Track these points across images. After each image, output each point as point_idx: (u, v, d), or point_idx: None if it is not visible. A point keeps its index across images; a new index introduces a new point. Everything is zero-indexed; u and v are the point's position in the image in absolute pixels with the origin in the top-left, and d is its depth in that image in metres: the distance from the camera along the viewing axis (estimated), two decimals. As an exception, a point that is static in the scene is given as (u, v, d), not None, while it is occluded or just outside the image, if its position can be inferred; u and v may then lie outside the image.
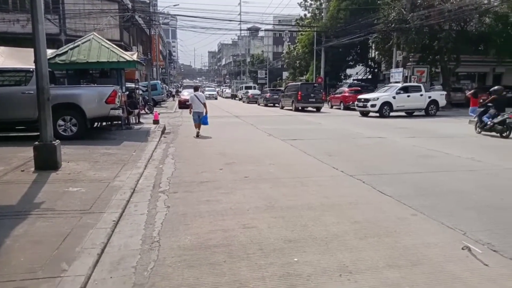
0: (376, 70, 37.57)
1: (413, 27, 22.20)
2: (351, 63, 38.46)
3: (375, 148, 9.20)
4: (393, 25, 23.93)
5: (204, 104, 11.41)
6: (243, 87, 48.36)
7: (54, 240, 3.39)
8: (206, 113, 11.48)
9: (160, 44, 48.04)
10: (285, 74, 53.42)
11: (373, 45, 32.15)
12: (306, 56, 39.46)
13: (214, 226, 3.95)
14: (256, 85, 55.77)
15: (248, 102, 37.96)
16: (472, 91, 17.63)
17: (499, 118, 11.16)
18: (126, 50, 20.54)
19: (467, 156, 8.02)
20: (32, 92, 8.21)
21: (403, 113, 20.10)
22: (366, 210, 4.50)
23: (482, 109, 12.43)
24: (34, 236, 3.49)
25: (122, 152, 7.79)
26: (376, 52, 33.86)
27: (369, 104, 18.97)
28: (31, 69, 8.71)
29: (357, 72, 40.68)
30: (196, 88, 12.85)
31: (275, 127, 13.91)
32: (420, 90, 19.61)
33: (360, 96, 20.73)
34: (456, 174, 6.40)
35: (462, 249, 3.40)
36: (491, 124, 11.39)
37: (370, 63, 38.32)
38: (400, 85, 20.23)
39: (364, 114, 19.90)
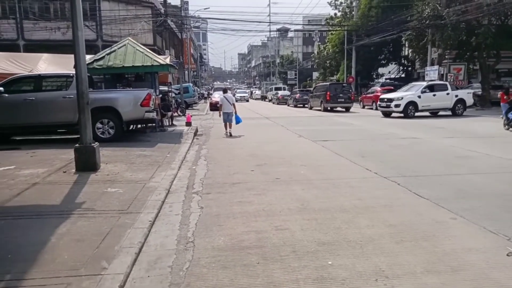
0: (409, 68, 36.51)
1: (449, 23, 21.37)
2: (383, 61, 37.57)
3: (410, 149, 8.93)
4: (427, 22, 23.17)
5: (234, 105, 12.20)
6: (273, 88, 48.44)
7: (95, 239, 3.53)
8: (236, 112, 12.21)
9: (192, 47, 48.96)
10: (315, 75, 53.04)
11: (407, 42, 31.29)
12: (336, 55, 38.96)
13: (247, 227, 3.98)
14: (286, 86, 55.70)
15: (278, 103, 37.92)
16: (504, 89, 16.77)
17: None
18: (159, 54, 21.10)
19: (508, 157, 7.62)
20: (73, 96, 8.60)
21: (427, 113, 19.19)
22: (402, 213, 4.38)
23: (509, 107, 12.47)
24: (76, 235, 3.65)
25: (157, 154, 8.00)
26: (410, 50, 32.92)
27: (392, 104, 18.02)
28: (71, 74, 9.16)
29: (389, 71, 39.68)
30: (225, 90, 13.53)
31: (305, 128, 13.81)
32: (447, 89, 18.53)
33: (382, 96, 19.88)
34: (497, 176, 6.10)
35: (508, 255, 3.24)
36: None
37: (403, 61, 37.30)
38: (425, 83, 19.17)
39: (387, 114, 18.99)
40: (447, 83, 19.69)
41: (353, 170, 6.74)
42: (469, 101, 19.20)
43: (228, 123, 11.97)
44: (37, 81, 9.58)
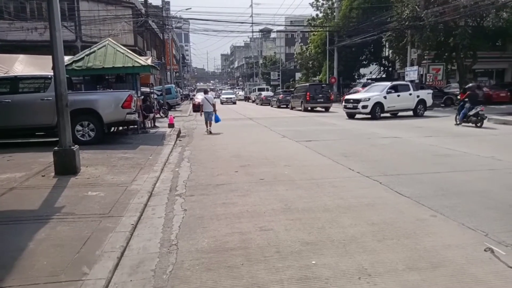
0: (390, 68, 37.17)
1: (428, 24, 21.88)
2: (364, 62, 38.15)
3: (391, 148, 9.08)
4: (407, 23, 23.66)
5: (213, 105, 13.37)
6: (256, 89, 48.54)
7: (75, 244, 3.45)
8: (215, 111, 13.36)
9: (174, 48, 48.54)
10: (298, 75, 53.34)
11: (387, 43, 31.86)
12: (318, 56, 39.33)
13: (231, 229, 3.97)
14: (269, 86, 55.84)
15: (261, 104, 38.02)
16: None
17: (473, 111, 12.94)
18: (140, 54, 20.81)
19: (484, 155, 7.84)
20: (51, 98, 8.40)
21: (388, 115, 18.58)
22: (384, 211, 4.45)
23: (460, 104, 14.04)
24: (56, 240, 3.56)
25: (139, 156, 7.89)
26: (390, 51, 33.54)
27: (360, 105, 17.20)
28: (49, 76, 8.94)
29: (371, 71, 40.30)
30: (205, 91, 14.72)
31: (288, 129, 13.88)
32: (409, 89, 18.18)
33: (348, 96, 19.06)
34: (475, 174, 6.26)
35: (485, 250, 3.33)
36: (468, 116, 13.19)
37: (384, 61, 37.96)
38: (389, 83, 18.65)
39: (352, 116, 18.20)
40: (409, 83, 19.30)
41: (336, 169, 6.81)
42: (429, 101, 18.95)
43: (208, 122, 13.15)
44: (13, 83, 9.30)
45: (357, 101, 17.53)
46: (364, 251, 3.37)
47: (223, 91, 55.26)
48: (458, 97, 16.33)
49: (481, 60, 25.87)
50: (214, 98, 27.29)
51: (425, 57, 24.98)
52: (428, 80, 24.17)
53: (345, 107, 18.42)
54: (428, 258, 3.21)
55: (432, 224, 4.01)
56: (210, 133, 12.81)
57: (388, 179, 5.93)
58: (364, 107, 17.06)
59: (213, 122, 13.17)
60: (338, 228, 3.94)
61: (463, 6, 21.00)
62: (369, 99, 17.15)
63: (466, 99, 13.51)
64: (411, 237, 3.67)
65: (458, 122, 13.77)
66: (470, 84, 15.23)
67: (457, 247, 3.42)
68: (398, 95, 17.89)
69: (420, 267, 3.06)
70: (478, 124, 12.88)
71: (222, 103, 40.82)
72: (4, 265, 3.06)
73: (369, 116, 17.14)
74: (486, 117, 13.18)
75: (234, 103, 42.44)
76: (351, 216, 4.30)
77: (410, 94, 18.26)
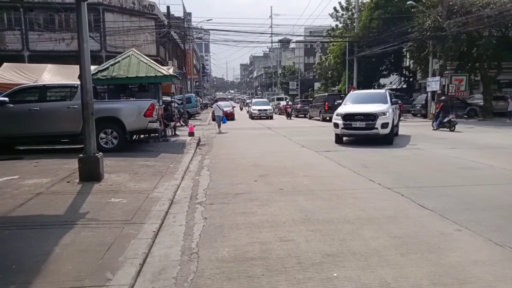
0: (411, 79, 36.64)
1: (450, 35, 21.50)
2: (384, 72, 37.73)
3: (413, 159, 8.92)
4: (428, 33, 23.31)
5: (223, 111, 18.43)
6: (275, 99, 48.55)
7: (99, 250, 3.52)
8: (224, 116, 18.50)
9: (194, 58, 49.38)
10: (316, 85, 53.24)
11: (408, 53, 31.45)
12: (338, 66, 39.17)
13: (251, 239, 3.97)
14: (287, 96, 55.84)
15: (279, 114, 38.01)
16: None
17: (447, 119, 16.09)
18: (162, 64, 21.27)
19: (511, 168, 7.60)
20: (77, 106, 8.68)
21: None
22: (406, 224, 4.36)
23: (437, 113, 17.28)
24: (80, 245, 3.65)
25: (160, 164, 8.01)
26: (411, 61, 33.07)
27: (378, 123, 11.31)
28: (75, 85, 9.24)
29: (391, 81, 39.82)
30: (216, 100, 20.20)
31: (307, 138, 13.82)
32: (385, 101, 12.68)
33: (346, 110, 12.08)
34: (502, 188, 6.07)
35: (513, 268, 3.21)
36: (444, 123, 16.20)
37: (404, 72, 37.46)
38: (383, 91, 14.55)
39: (340, 140, 12.28)
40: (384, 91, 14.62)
41: (356, 181, 6.73)
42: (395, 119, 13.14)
43: (218, 123, 17.87)
44: (41, 92, 9.65)
45: (371, 117, 11.43)
46: (387, 264, 3.31)
47: (254, 100, 37.01)
48: (436, 107, 19.08)
49: (506, 71, 25.20)
50: (233, 107, 29.82)
51: (448, 67, 24.49)
52: (450, 91, 23.68)
53: (345, 127, 11.74)
54: (453, 274, 3.12)
55: (457, 239, 3.90)
56: (220, 132, 16.73)
57: (410, 191, 5.82)
58: (385, 125, 11.34)
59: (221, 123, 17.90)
60: (359, 240, 3.88)
61: (487, 16, 20.58)
62: (387, 113, 11.50)
63: (439, 110, 16.70)
64: (435, 251, 3.59)
65: (435, 128, 16.59)
66: (443, 97, 18.48)
67: (484, 264, 3.32)
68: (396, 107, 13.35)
69: (445, 283, 2.98)
70: (452, 129, 15.88)
71: (252, 117, 28.82)
72: (31, 269, 3.15)
73: (387, 138, 11.67)
74: (457, 122, 16.26)
75: (270, 117, 28.97)
76: (373, 228, 4.23)
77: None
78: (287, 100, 39.11)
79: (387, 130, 11.44)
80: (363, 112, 11.67)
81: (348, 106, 12.60)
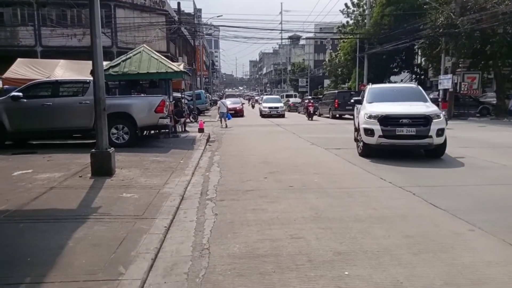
0: (422, 76, 36.19)
1: (463, 32, 21.15)
2: (395, 70, 37.30)
3: (425, 158, 8.81)
4: (441, 30, 22.96)
5: (227, 107, 19.64)
6: (284, 96, 48.40)
7: (112, 244, 3.56)
8: (228, 111, 19.47)
9: (204, 54, 49.42)
10: (326, 82, 52.89)
11: (419, 51, 31.06)
12: (348, 63, 38.87)
13: (262, 235, 3.97)
14: (297, 93, 55.68)
15: (289, 111, 37.82)
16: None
17: None
18: (172, 60, 21.32)
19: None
20: (89, 102, 8.77)
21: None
22: (418, 223, 4.32)
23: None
24: (93, 240, 3.69)
25: (170, 160, 8.06)
26: (423, 58, 32.67)
27: (433, 129, 8.13)
28: (88, 80, 9.32)
29: (402, 79, 39.34)
30: (221, 97, 23.70)
31: (317, 136, 13.76)
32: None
33: (386, 110, 8.59)
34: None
35: (529, 269, 3.16)
36: None
37: (416, 69, 37.00)
38: (415, 86, 11.12)
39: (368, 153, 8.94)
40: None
41: (367, 179, 6.69)
42: None
43: (223, 119, 18.69)
44: (54, 87, 9.76)
45: (422, 120, 8.27)
46: (399, 264, 3.29)
47: (264, 97, 34.50)
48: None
49: (520, 69, 24.78)
50: (242, 103, 30.35)
51: (460, 65, 24.10)
52: (463, 89, 23.34)
53: (386, 134, 8.32)
54: (467, 275, 3.09)
55: (471, 239, 3.86)
56: (226, 126, 18.07)
57: (421, 190, 5.76)
58: (440, 132, 8.29)
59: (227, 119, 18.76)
60: (370, 239, 3.86)
61: (502, 13, 20.18)
62: (441, 115, 8.63)
63: None
64: (448, 251, 3.55)
65: None
66: (431, 96, 19.18)
67: (498, 265, 3.27)
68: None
69: (459, 284, 2.95)
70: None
71: (262, 115, 26.93)
72: (46, 262, 3.20)
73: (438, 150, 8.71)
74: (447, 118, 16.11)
75: (282, 115, 26.88)
76: (384, 227, 4.20)
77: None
78: (309, 97, 34.97)
79: (442, 139, 8.33)
80: (411, 114, 8.35)
81: (379, 105, 9.07)
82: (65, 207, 4.72)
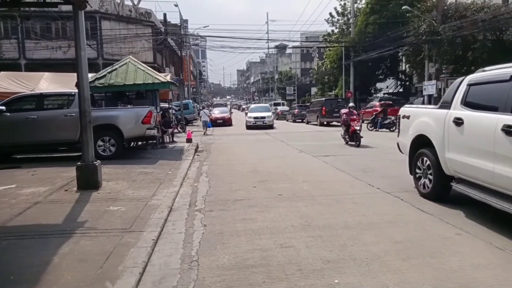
0: (407, 83, 36.83)
1: (445, 39, 21.66)
2: (381, 76, 37.93)
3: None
4: (424, 37, 23.48)
5: (209, 116, 21.99)
6: (272, 104, 48.64)
7: (98, 259, 3.49)
8: (210, 121, 22.10)
9: (191, 64, 49.47)
10: (313, 90, 53.38)
11: (404, 58, 31.63)
12: (334, 71, 39.35)
13: (251, 245, 3.94)
14: (284, 101, 56.00)
15: (277, 119, 37.95)
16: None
17: (387, 121, 19.14)
18: (159, 71, 21.30)
19: None
20: (74, 114, 8.66)
21: None
22: (407, 229, 4.35)
23: (373, 116, 20.49)
24: (79, 255, 3.61)
25: (158, 171, 7.98)
26: (407, 65, 33.25)
27: None
28: (73, 93, 9.22)
29: (387, 85, 40.00)
30: (203, 107, 25.88)
31: (305, 143, 13.82)
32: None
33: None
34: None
35: (515, 271, 3.20)
36: (384, 124, 19.17)
37: (401, 76, 37.66)
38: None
39: None
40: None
41: (356, 185, 6.73)
42: None
43: (205, 127, 20.84)
44: (38, 100, 9.62)
45: None
46: (388, 270, 3.30)
47: (251, 106, 31.62)
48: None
49: (501, 74, 25.43)
50: (231, 112, 30.49)
51: (443, 71, 24.62)
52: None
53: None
54: (455, 279, 3.11)
55: (458, 243, 3.90)
56: (206, 134, 19.58)
57: (409, 195, 5.82)
58: None
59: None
60: (360, 246, 3.87)
61: (481, 20, 20.76)
62: None
63: (381, 114, 19.94)
64: (436, 256, 3.57)
65: (376, 129, 19.58)
66: (383, 102, 23.37)
67: (486, 268, 3.31)
68: None
69: (447, 288, 2.96)
70: (392, 129, 17.84)
71: (248, 127, 24.11)
72: (29, 279, 3.12)
73: None
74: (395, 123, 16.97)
75: (270, 126, 24.22)
76: (373, 233, 4.22)
77: None
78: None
79: None
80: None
81: None
82: (50, 222, 4.62)
